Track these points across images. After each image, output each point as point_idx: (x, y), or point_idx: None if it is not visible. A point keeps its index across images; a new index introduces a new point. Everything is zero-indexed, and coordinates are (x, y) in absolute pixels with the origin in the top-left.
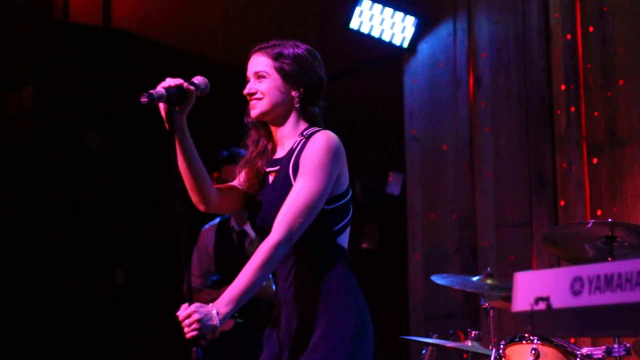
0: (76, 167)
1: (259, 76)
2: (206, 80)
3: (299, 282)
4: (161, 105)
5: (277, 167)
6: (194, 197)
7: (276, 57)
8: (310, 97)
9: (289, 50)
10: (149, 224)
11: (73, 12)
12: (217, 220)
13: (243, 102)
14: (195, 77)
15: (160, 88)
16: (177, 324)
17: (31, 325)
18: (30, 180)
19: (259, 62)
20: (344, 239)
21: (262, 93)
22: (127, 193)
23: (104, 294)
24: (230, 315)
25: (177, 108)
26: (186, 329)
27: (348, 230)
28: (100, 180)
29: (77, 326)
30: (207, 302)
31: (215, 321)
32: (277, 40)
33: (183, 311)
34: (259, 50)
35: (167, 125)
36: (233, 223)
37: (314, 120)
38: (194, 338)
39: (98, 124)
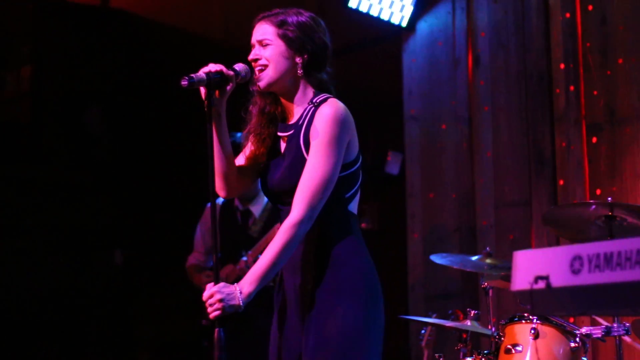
0: (75, 147)
1: (263, 44)
2: (247, 67)
3: (309, 247)
4: (202, 89)
5: (288, 133)
6: (219, 183)
7: (279, 25)
8: (315, 63)
9: (292, 18)
10: (148, 204)
11: None
12: (221, 199)
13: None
14: (236, 64)
15: (201, 72)
16: (176, 305)
17: (29, 305)
18: (28, 160)
19: (263, 30)
20: (354, 206)
21: (266, 59)
22: (126, 173)
23: (102, 275)
24: (254, 294)
25: (217, 92)
26: (209, 309)
27: (358, 196)
28: (99, 161)
29: (76, 306)
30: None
31: (238, 300)
32: (280, 9)
33: (207, 291)
34: (263, 18)
35: (206, 109)
36: (237, 203)
37: (322, 87)
38: (217, 318)
39: (96, 103)
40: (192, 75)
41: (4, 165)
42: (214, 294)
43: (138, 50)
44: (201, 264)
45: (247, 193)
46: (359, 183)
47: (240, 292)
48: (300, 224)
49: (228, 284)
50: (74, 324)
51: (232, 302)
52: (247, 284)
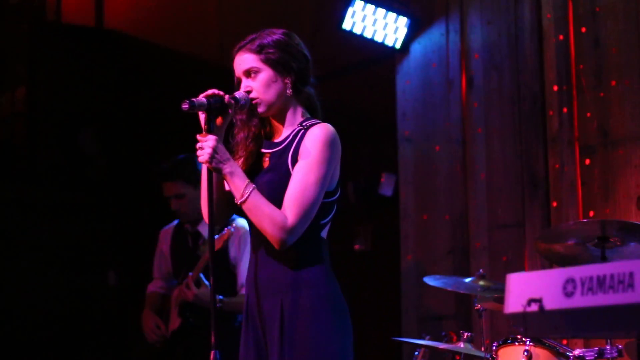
0: (69, 167)
1: (250, 73)
2: (247, 95)
3: (282, 270)
4: (201, 115)
5: (273, 150)
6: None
7: (259, 50)
8: (301, 80)
9: (267, 39)
10: (142, 225)
11: (65, 13)
12: (175, 222)
13: None
14: (237, 92)
15: (201, 97)
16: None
17: (23, 326)
18: (22, 180)
19: (245, 60)
20: (325, 233)
21: (258, 88)
22: (120, 194)
23: (96, 296)
24: (222, 176)
25: (219, 119)
26: (199, 152)
27: (329, 225)
28: (94, 181)
29: (69, 328)
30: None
31: (221, 167)
32: (253, 34)
33: (204, 137)
34: (240, 49)
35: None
36: (187, 226)
37: (311, 103)
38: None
39: (91, 124)
40: (193, 99)
41: None
42: (211, 145)
43: (132, 71)
44: (162, 291)
45: (195, 215)
46: (333, 213)
47: (224, 167)
48: (291, 232)
49: (226, 151)
50: (67, 345)
51: (216, 164)
52: (234, 169)
